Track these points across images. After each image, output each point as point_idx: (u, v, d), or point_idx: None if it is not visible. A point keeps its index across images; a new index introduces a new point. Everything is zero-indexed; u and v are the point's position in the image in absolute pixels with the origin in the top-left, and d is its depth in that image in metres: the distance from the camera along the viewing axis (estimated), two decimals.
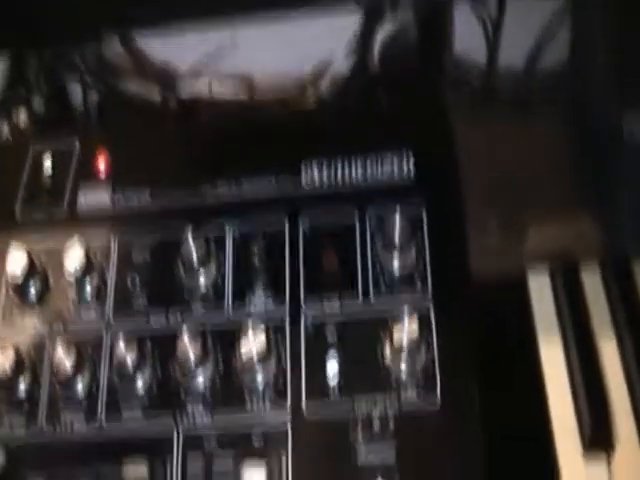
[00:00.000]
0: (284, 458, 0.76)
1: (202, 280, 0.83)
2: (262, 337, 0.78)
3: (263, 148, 0.91)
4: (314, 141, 0.90)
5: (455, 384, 0.77)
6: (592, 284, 0.89)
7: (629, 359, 0.85)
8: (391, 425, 0.76)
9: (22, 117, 1.07)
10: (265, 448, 0.77)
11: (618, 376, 0.85)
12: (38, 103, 1.09)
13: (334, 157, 0.88)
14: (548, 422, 0.83)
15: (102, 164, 0.91)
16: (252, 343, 0.78)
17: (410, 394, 0.77)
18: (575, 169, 0.92)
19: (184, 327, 0.80)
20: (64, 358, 0.80)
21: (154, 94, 1.12)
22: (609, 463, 0.81)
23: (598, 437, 0.82)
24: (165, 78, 1.10)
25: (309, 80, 1.10)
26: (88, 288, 0.84)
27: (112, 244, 0.87)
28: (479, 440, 0.75)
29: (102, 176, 0.91)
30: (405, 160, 0.87)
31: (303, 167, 0.88)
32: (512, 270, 0.90)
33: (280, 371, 0.79)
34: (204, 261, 0.83)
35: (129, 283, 0.85)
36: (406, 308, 0.79)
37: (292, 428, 0.77)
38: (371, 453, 0.75)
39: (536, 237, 0.90)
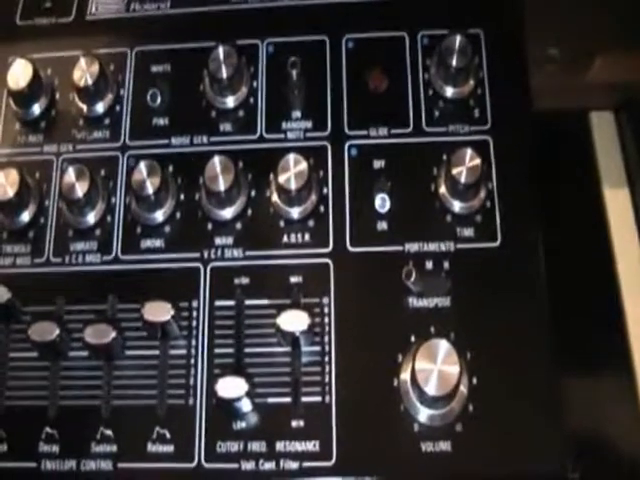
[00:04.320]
0: (326, 299, 0.68)
1: (231, 98, 0.73)
2: (303, 165, 0.69)
3: None
4: None
5: (516, 220, 0.69)
6: None
7: None
8: (446, 264, 0.68)
9: None
10: (304, 288, 0.68)
11: None
12: None
13: None
14: (615, 271, 0.76)
15: None
16: (291, 171, 0.69)
17: (467, 231, 0.69)
18: None
19: (213, 149, 0.71)
20: (74, 182, 0.70)
21: None
22: None
23: None
24: None
25: None
26: (101, 105, 0.74)
27: (128, 55, 0.76)
28: (542, 280, 0.68)
29: None
30: None
31: None
32: (574, 107, 0.81)
33: (321, 203, 0.70)
34: (234, 77, 0.72)
35: (148, 99, 0.75)
36: (464, 140, 0.71)
37: (335, 265, 0.69)
38: (423, 294, 0.68)
39: (602, 71, 0.80)
